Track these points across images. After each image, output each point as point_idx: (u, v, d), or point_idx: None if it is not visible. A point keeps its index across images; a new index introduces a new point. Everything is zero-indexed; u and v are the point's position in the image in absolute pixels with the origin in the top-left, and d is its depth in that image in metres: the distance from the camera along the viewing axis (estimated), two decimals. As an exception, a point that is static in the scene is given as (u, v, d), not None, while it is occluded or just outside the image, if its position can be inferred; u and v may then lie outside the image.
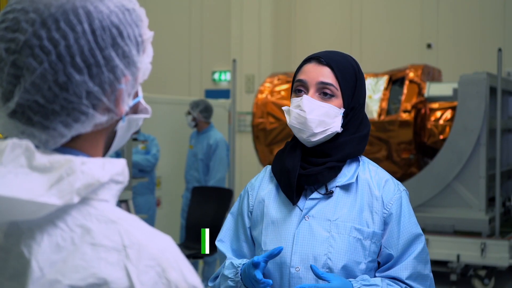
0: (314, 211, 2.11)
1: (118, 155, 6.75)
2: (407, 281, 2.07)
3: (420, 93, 7.43)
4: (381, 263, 2.12)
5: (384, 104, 7.48)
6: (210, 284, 2.25)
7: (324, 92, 2.11)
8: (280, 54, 11.15)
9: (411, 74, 7.49)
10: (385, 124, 7.39)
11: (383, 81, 7.61)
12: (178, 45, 12.94)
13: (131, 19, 1.12)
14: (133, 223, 1.05)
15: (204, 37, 12.69)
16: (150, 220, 7.53)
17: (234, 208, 2.31)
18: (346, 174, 2.15)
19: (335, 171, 2.12)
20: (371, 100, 7.56)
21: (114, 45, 1.08)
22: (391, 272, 2.09)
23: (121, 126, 1.16)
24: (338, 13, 11.51)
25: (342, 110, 2.11)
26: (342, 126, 2.12)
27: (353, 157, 2.16)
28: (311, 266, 2.00)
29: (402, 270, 2.08)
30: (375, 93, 7.59)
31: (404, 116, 7.32)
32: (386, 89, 7.55)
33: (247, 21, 11.07)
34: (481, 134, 6.90)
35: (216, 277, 2.23)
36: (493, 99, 7.04)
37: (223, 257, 2.23)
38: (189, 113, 7.73)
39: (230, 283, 2.11)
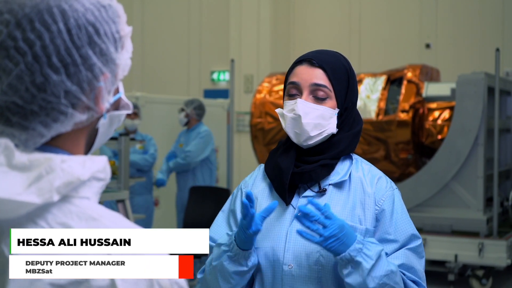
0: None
1: (116, 154, 6.75)
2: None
3: (418, 93, 7.43)
4: None
5: (382, 104, 7.48)
6: (198, 276, 2.24)
7: (318, 94, 2.10)
8: (278, 54, 11.16)
9: (409, 74, 7.49)
10: (383, 124, 7.39)
11: (381, 81, 7.61)
12: (177, 45, 12.95)
13: (107, 16, 1.11)
14: (114, 219, 1.05)
15: (203, 37, 12.70)
16: (148, 220, 7.53)
17: (225, 206, 2.30)
18: (339, 172, 2.15)
19: (328, 168, 2.12)
20: (369, 100, 7.56)
21: (90, 43, 1.08)
22: None
23: (102, 123, 1.15)
24: (337, 13, 11.51)
25: (337, 110, 2.11)
26: (337, 126, 2.12)
27: (346, 154, 2.16)
28: (309, 201, 2.00)
29: (393, 259, 2.06)
30: (373, 93, 7.58)
31: (402, 116, 7.32)
32: (384, 89, 7.55)
33: (246, 21, 11.07)
34: (479, 134, 6.90)
35: (205, 270, 2.22)
36: (491, 99, 7.03)
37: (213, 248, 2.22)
38: (182, 109, 7.76)
39: (223, 248, 2.07)
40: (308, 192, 2.12)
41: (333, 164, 2.13)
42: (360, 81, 7.75)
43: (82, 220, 1.02)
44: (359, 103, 7.56)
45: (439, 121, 7.42)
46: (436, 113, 7.46)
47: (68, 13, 1.06)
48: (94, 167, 1.06)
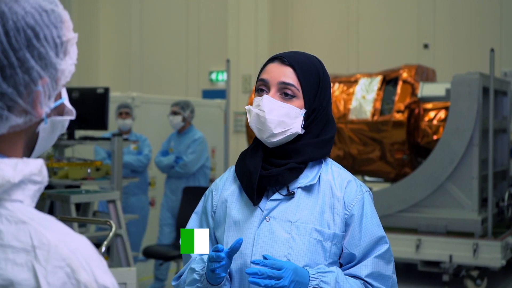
0: (275, 212, 2.10)
1: (109, 155, 6.76)
2: (366, 279, 2.06)
3: (413, 93, 7.42)
4: (343, 264, 2.11)
5: (378, 104, 7.48)
6: (173, 283, 2.24)
7: (285, 93, 2.10)
8: (276, 54, 11.15)
9: (405, 74, 7.48)
10: (379, 124, 7.39)
11: (377, 81, 7.60)
12: (175, 45, 12.97)
13: (48, 21, 1.11)
14: (45, 223, 1.04)
15: (201, 38, 12.71)
16: (143, 220, 7.54)
17: (198, 207, 2.30)
18: (308, 175, 2.14)
19: (296, 172, 2.11)
20: (364, 100, 7.56)
21: (29, 47, 1.08)
22: (351, 271, 2.08)
23: (43, 128, 1.15)
24: (335, 14, 11.50)
25: (303, 111, 2.10)
26: (303, 128, 2.11)
27: (315, 160, 2.15)
28: (263, 256, 1.99)
29: (362, 268, 2.07)
30: (368, 93, 7.58)
31: (398, 116, 7.31)
32: (379, 89, 7.54)
33: (244, 22, 11.08)
34: (473, 134, 6.89)
35: (180, 276, 2.22)
36: (486, 100, 7.02)
37: (187, 256, 2.23)
38: (175, 113, 7.54)
39: (195, 276, 2.08)
40: (276, 195, 2.12)
41: (301, 168, 2.12)
42: (356, 81, 7.76)
43: (12, 224, 1.02)
44: (355, 103, 7.56)
45: (435, 122, 7.40)
46: (432, 114, 7.45)
47: (7, 15, 1.06)
48: (27, 170, 1.06)
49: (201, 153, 7.52)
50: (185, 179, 7.51)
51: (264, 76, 2.14)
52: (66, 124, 1.22)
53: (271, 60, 2.16)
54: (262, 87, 2.14)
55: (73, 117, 1.21)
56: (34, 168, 1.07)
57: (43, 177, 1.09)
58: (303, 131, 2.11)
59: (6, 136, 1.11)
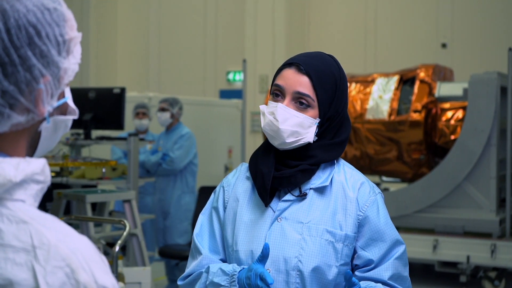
0: (287, 213, 2.10)
1: (126, 155, 6.79)
2: (389, 282, 2.06)
3: (430, 93, 7.38)
4: (360, 266, 2.10)
5: (395, 104, 7.44)
6: (179, 282, 2.23)
7: (300, 102, 2.08)
8: (293, 54, 11.08)
9: (422, 74, 7.44)
10: (396, 124, 7.35)
11: (394, 81, 7.57)
12: (193, 45, 13.00)
13: (51, 19, 1.11)
14: (46, 223, 1.04)
15: (218, 38, 12.73)
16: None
17: (208, 204, 2.28)
18: (321, 176, 2.13)
19: (308, 173, 2.10)
20: (381, 100, 7.53)
21: (30, 44, 1.08)
22: (372, 274, 2.07)
23: (45, 127, 1.15)
24: (353, 13, 11.46)
25: (318, 120, 2.09)
26: (317, 135, 2.10)
27: (327, 162, 2.14)
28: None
29: (384, 271, 2.06)
30: (385, 93, 7.55)
31: (415, 116, 7.27)
32: (396, 89, 7.51)
33: (261, 21, 11.07)
34: (491, 134, 6.84)
35: (187, 276, 2.20)
36: (504, 99, 6.96)
37: (198, 252, 2.20)
38: (163, 109, 7.38)
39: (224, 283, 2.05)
40: (288, 196, 2.12)
41: (313, 170, 2.11)
42: (373, 81, 7.72)
43: (13, 223, 1.02)
44: (371, 103, 7.53)
45: (452, 121, 7.36)
46: (449, 113, 7.40)
47: (8, 13, 1.06)
48: (29, 169, 1.06)
49: (189, 149, 7.33)
50: (173, 177, 7.35)
51: (279, 82, 2.11)
52: (70, 124, 1.21)
53: (288, 65, 2.13)
54: (277, 92, 2.12)
55: (76, 117, 1.21)
56: (36, 168, 1.07)
57: (46, 177, 1.09)
58: (316, 138, 2.11)
59: (8, 135, 1.11)
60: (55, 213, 5.01)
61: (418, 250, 6.91)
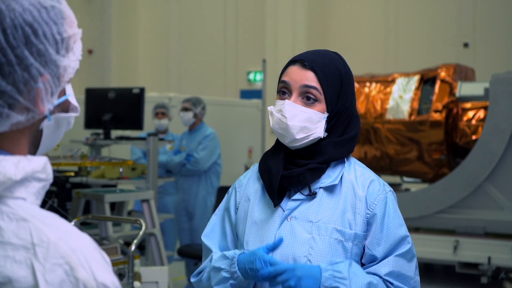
0: (296, 212, 2.09)
1: (145, 155, 6.81)
2: (385, 277, 2.03)
3: (451, 92, 7.32)
4: (366, 264, 2.09)
5: (415, 104, 7.40)
6: (192, 279, 2.24)
7: (307, 97, 2.07)
8: (314, 54, 11.12)
9: (443, 74, 7.39)
10: (416, 124, 7.31)
11: (414, 80, 7.53)
12: (213, 45, 13.02)
13: (48, 17, 1.11)
14: (47, 221, 1.04)
15: (239, 38, 12.74)
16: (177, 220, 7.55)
17: (221, 205, 2.30)
18: (331, 175, 2.12)
19: (318, 172, 2.10)
20: (402, 100, 7.48)
21: (27, 44, 1.08)
22: (370, 269, 2.05)
23: (47, 125, 1.15)
24: (373, 12, 11.42)
25: (326, 115, 2.08)
26: (326, 131, 2.09)
27: (337, 159, 2.13)
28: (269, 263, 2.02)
29: (382, 266, 2.04)
30: (406, 93, 7.51)
31: (435, 116, 7.22)
32: (417, 88, 7.47)
33: (282, 21, 11.07)
34: (513, 134, 6.77)
35: (199, 273, 2.22)
36: (526, 99, 6.89)
37: (209, 252, 2.22)
38: (186, 109, 7.35)
39: (224, 274, 2.07)
40: (298, 195, 2.11)
41: (323, 168, 2.11)
42: (393, 80, 7.68)
43: (13, 221, 1.02)
44: (392, 103, 7.49)
45: (474, 121, 7.29)
46: (471, 113, 7.34)
47: (4, 12, 1.06)
48: (30, 167, 1.06)
49: (213, 149, 7.29)
50: (197, 177, 7.35)
51: (285, 78, 2.11)
52: (72, 121, 1.22)
53: (292, 62, 2.13)
54: (284, 89, 2.12)
55: (78, 114, 1.21)
56: (37, 166, 1.07)
57: (48, 175, 1.09)
58: (326, 134, 2.10)
59: (9, 134, 1.11)
60: (74, 212, 5.04)
61: (439, 251, 6.86)
